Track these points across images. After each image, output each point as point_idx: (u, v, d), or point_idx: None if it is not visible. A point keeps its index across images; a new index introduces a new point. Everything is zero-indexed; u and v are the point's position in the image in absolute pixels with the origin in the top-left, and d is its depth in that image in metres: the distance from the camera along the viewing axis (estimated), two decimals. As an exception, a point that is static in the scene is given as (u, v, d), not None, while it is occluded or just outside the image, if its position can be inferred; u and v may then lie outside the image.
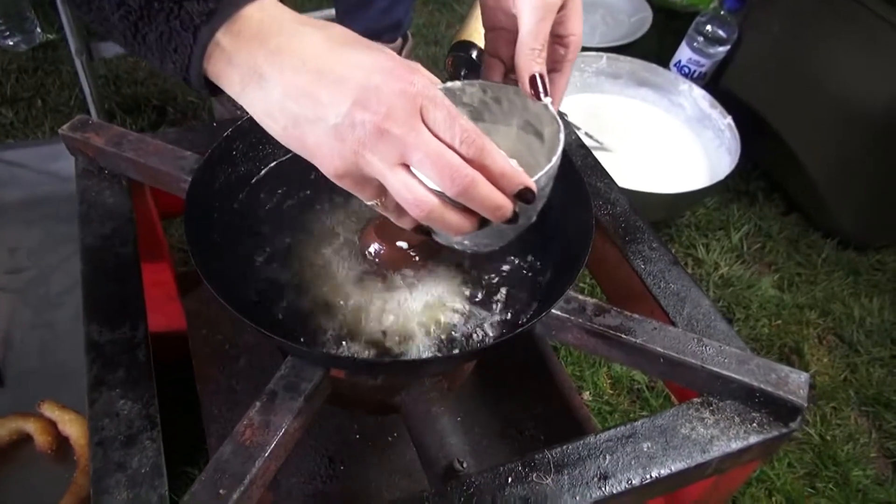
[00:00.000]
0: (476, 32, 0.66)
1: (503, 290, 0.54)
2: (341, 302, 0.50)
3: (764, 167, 1.21)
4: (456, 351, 0.49)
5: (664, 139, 1.16)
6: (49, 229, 0.98)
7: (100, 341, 0.52)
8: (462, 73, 0.65)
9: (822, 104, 1.09)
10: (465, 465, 0.51)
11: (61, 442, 0.74)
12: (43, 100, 1.22)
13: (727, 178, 1.02)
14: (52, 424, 0.75)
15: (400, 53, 1.12)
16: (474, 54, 0.65)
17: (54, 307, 0.90)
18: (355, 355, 0.48)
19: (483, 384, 0.75)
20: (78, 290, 0.92)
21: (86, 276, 0.56)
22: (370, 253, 0.52)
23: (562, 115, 0.47)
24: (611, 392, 0.90)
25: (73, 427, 0.75)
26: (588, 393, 0.90)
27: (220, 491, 0.42)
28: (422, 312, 0.51)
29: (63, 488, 0.71)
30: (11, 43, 1.31)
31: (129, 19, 0.38)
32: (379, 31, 1.07)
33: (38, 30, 1.34)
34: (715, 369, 0.50)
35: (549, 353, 0.80)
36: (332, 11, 1.16)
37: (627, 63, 1.20)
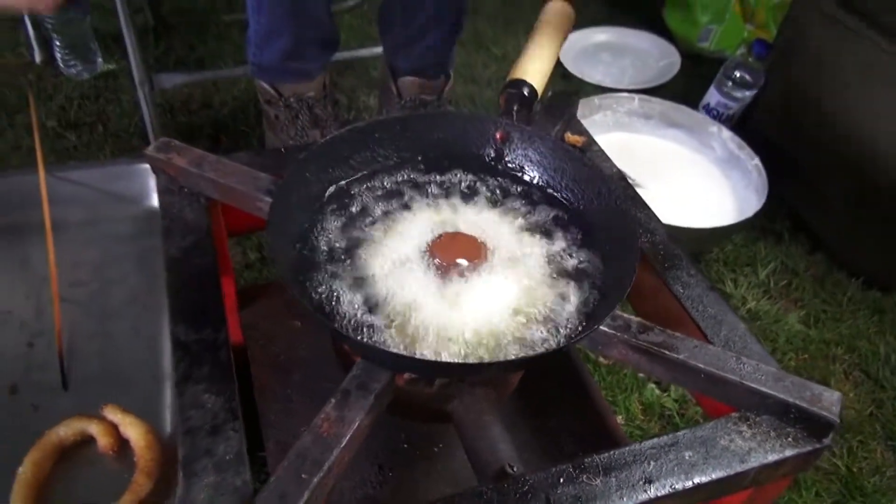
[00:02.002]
0: (527, 71, 0.72)
1: (555, 308, 0.58)
2: (405, 310, 0.55)
3: (790, 207, 1.25)
4: (513, 357, 0.53)
5: (694, 177, 1.21)
6: (109, 246, 1.04)
7: (186, 341, 0.57)
8: (514, 109, 0.70)
9: (847, 146, 1.13)
10: (515, 469, 0.55)
11: (122, 444, 0.79)
12: (104, 125, 1.29)
13: (754, 216, 1.06)
14: (114, 427, 0.79)
15: (442, 90, 1.18)
16: (526, 91, 0.70)
17: (114, 319, 0.95)
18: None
19: (524, 402, 0.79)
20: (135, 303, 0.97)
21: (170, 284, 0.61)
22: (434, 266, 0.57)
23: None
24: (642, 417, 0.93)
25: (133, 430, 0.79)
26: (620, 418, 0.93)
27: (303, 475, 0.46)
28: (481, 325, 0.55)
29: (123, 488, 0.75)
30: (75, 71, 1.40)
31: None
32: (424, 68, 1.14)
33: (100, 60, 1.43)
34: (753, 385, 0.54)
35: (587, 377, 0.83)
36: (381, 49, 1.24)
37: (658, 104, 1.25)
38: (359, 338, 0.52)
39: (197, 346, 0.56)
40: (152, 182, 1.08)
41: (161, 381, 0.87)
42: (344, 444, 0.48)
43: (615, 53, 1.65)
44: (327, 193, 0.64)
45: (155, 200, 1.08)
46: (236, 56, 1.49)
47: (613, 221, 0.62)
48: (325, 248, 0.59)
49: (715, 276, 1.13)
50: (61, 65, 1.40)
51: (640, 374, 0.97)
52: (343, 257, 0.59)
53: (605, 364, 0.98)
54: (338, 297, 0.56)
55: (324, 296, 0.56)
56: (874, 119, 1.09)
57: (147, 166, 1.09)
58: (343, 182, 0.64)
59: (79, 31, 1.35)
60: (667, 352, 0.56)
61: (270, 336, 0.82)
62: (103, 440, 0.78)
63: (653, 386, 0.96)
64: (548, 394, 0.79)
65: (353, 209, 0.63)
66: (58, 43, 1.36)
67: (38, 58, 1.42)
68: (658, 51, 1.64)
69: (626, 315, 0.57)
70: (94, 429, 0.78)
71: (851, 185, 1.15)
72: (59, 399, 0.84)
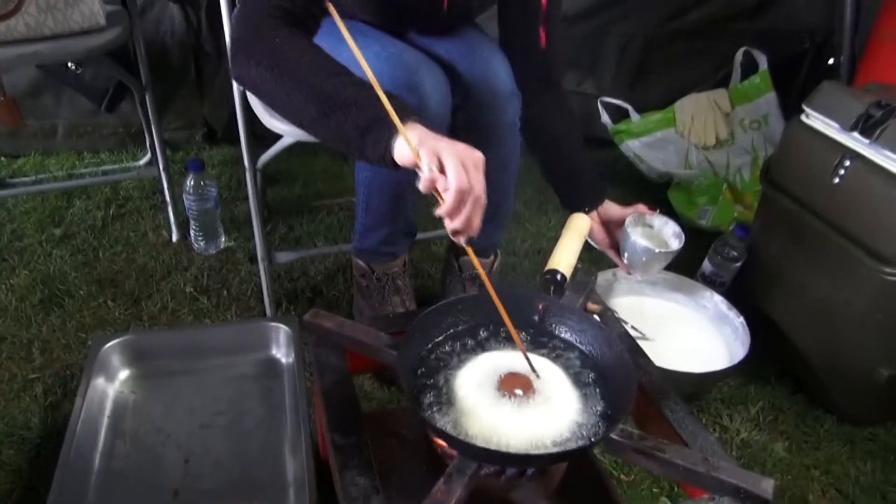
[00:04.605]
0: (559, 263, 1.06)
1: (579, 425, 0.87)
2: (483, 421, 0.85)
3: (776, 357, 1.54)
4: (556, 450, 0.82)
5: (692, 332, 1.51)
6: (240, 385, 1.35)
7: (341, 444, 0.87)
8: (551, 289, 1.04)
9: (814, 310, 1.43)
10: (559, 533, 0.82)
11: (261, 534, 1.06)
12: (227, 290, 1.65)
13: (740, 364, 1.35)
14: (254, 522, 1.07)
15: (492, 267, 1.53)
16: (559, 277, 1.04)
17: (247, 440, 1.25)
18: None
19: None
20: (262, 427, 1.27)
21: (326, 407, 0.92)
22: (501, 395, 0.88)
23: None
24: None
25: (267, 523, 1.06)
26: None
27: (427, 524, 0.74)
28: (532, 435, 0.85)
29: (262, 567, 1.02)
30: (203, 247, 1.79)
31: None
32: (479, 249, 1.49)
33: (223, 238, 1.82)
34: (715, 475, 0.82)
35: (613, 488, 1.09)
36: (440, 232, 1.60)
37: (663, 275, 1.58)
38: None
39: (348, 447, 0.87)
40: (271, 336, 1.43)
41: (286, 487, 1.16)
42: (451, 505, 0.77)
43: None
44: (429, 346, 0.96)
45: (272, 350, 1.43)
46: (326, 235, 1.88)
47: (620, 366, 0.92)
48: (430, 382, 0.91)
49: (714, 412, 1.40)
50: (193, 242, 1.79)
51: (655, 489, 1.23)
52: (441, 387, 0.90)
53: (626, 481, 1.24)
54: (439, 414, 0.86)
55: (430, 413, 0.86)
56: (830, 289, 1.39)
57: (265, 324, 1.45)
58: (439, 338, 0.97)
59: (211, 218, 1.76)
60: (658, 453, 0.84)
61: (374, 447, 1.10)
62: (245, 531, 1.06)
63: (665, 499, 1.21)
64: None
65: (446, 356, 0.95)
66: (194, 226, 1.76)
67: (174, 237, 1.83)
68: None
69: (630, 428, 0.87)
70: (238, 523, 1.07)
71: (822, 341, 1.43)
72: (212, 500, 1.13)
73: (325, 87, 0.87)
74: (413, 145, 0.83)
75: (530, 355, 0.94)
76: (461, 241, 0.87)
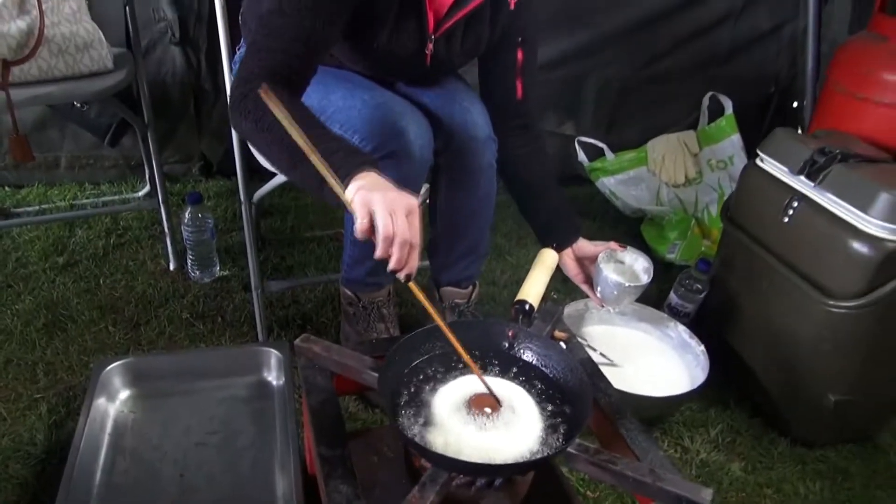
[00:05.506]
0: (528, 294, 1.16)
1: (541, 440, 0.97)
2: (453, 436, 0.94)
3: (735, 382, 1.64)
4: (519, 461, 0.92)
5: (657, 359, 1.62)
6: (232, 405, 1.44)
7: (326, 455, 0.96)
8: (520, 317, 1.14)
9: (768, 339, 1.55)
10: (522, 538, 0.91)
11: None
12: (222, 317, 1.75)
13: (700, 388, 1.46)
14: (244, 540, 1.15)
15: (471, 297, 1.63)
16: (527, 307, 1.15)
17: (239, 458, 1.33)
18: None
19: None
20: (253, 447, 1.35)
21: (313, 423, 1.02)
22: (473, 411, 0.98)
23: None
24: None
25: (258, 538, 1.15)
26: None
27: (400, 529, 0.84)
28: (497, 447, 0.94)
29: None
30: (199, 276, 1.89)
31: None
32: (459, 281, 1.59)
33: (217, 267, 1.92)
34: (660, 485, 0.91)
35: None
36: (425, 264, 1.71)
37: (632, 305, 1.69)
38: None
39: (333, 458, 0.96)
40: (263, 360, 1.52)
41: (275, 502, 1.25)
42: (424, 511, 0.86)
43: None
44: (408, 369, 1.06)
45: (264, 373, 1.52)
46: (316, 265, 1.98)
47: (580, 387, 1.02)
48: (408, 400, 1.01)
49: (676, 434, 1.50)
50: (190, 271, 1.89)
51: (618, 505, 1.32)
52: (418, 406, 1.00)
53: (592, 497, 1.34)
54: (416, 429, 0.96)
55: (407, 428, 0.96)
56: (782, 318, 1.51)
57: (258, 349, 1.54)
58: (417, 362, 1.07)
59: (207, 248, 1.86)
60: (610, 465, 0.94)
61: (356, 464, 1.19)
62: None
63: (626, 515, 1.30)
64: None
65: (424, 378, 1.05)
66: (191, 255, 1.86)
67: (171, 265, 1.92)
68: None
69: (586, 443, 0.97)
70: (228, 540, 1.15)
71: (777, 367, 1.54)
72: (206, 513, 1.22)
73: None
74: (346, 198, 0.92)
75: (497, 378, 1.04)
76: (401, 278, 0.95)
